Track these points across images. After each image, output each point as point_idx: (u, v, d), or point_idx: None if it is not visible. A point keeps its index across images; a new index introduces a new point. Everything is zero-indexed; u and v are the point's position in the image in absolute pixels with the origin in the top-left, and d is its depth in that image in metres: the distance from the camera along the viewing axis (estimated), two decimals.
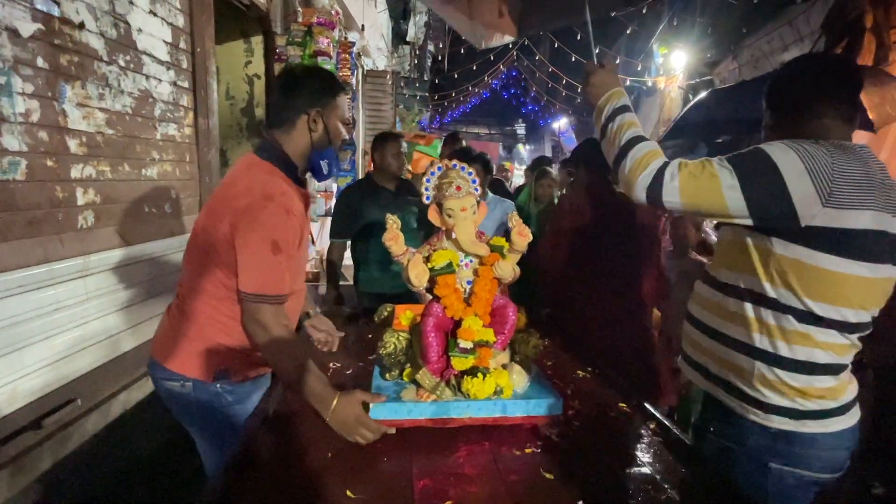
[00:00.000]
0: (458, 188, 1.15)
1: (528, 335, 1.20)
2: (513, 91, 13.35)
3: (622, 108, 1.12)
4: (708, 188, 0.94)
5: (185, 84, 2.32)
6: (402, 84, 7.93)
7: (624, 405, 1.26)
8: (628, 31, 6.90)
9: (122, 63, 1.88)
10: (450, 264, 1.13)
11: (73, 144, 1.66)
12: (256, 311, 1.11)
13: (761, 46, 3.76)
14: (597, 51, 1.48)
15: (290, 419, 1.14)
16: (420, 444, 1.04)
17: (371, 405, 1.05)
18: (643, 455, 1.03)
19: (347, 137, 1.34)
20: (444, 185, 1.17)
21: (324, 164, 1.30)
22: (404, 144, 2.40)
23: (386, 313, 1.40)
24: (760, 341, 1.00)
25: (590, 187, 1.94)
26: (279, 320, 1.13)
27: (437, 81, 11.44)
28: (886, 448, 2.08)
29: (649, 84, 7.10)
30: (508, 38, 2.43)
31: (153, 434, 2.05)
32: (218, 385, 1.22)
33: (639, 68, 7.39)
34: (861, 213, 0.89)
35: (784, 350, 0.97)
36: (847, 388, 1.01)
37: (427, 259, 1.17)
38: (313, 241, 3.96)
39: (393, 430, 1.06)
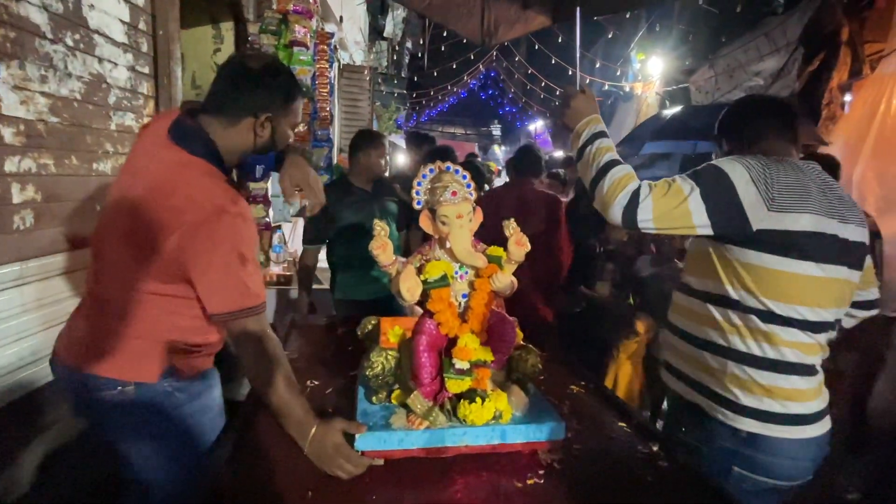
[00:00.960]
0: (454, 193, 1.06)
1: (526, 352, 1.12)
2: (490, 92, 13.35)
3: (600, 134, 1.19)
4: (674, 204, 1.04)
5: (146, 70, 2.12)
6: (379, 80, 7.75)
7: (623, 424, 1.19)
8: (610, 36, 6.99)
9: (69, 42, 1.68)
10: (444, 277, 1.03)
11: (7, 133, 1.46)
12: (241, 327, 1.02)
13: (737, 56, 3.84)
14: (580, 76, 1.52)
15: (262, 451, 1.01)
16: (412, 477, 0.93)
17: (357, 437, 0.94)
18: (654, 484, 0.96)
19: (292, 140, 1.21)
20: (437, 190, 1.07)
21: (259, 169, 1.17)
22: (387, 144, 2.28)
23: (370, 327, 1.29)
24: (731, 341, 1.09)
25: (515, 183, 2.51)
26: (265, 329, 1.04)
27: (415, 79, 11.26)
28: (860, 453, 2.12)
29: (626, 89, 7.22)
30: (540, 25, 2.29)
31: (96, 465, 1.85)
32: (166, 383, 1.08)
33: (618, 73, 7.51)
34: (800, 215, 1.01)
35: (754, 348, 1.07)
36: (816, 395, 1.09)
37: (419, 270, 1.07)
38: (285, 243, 3.78)
39: (381, 462, 0.96)
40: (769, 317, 1.05)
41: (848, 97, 2.70)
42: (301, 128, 2.52)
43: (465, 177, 1.11)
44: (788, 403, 1.06)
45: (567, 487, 0.93)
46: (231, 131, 1.08)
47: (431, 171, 1.12)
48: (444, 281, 1.03)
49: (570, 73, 7.94)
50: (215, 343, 1.18)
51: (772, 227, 1.01)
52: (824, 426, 1.09)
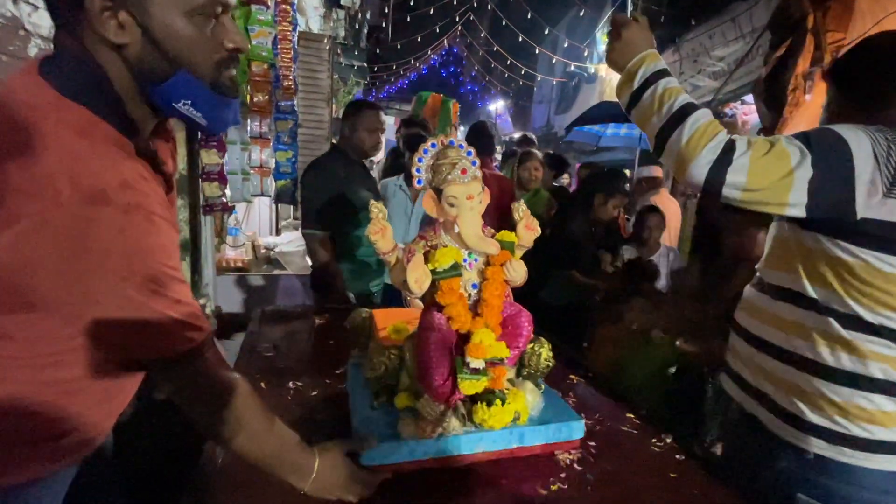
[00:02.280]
0: (464, 171, 0.94)
1: (539, 345, 1.04)
2: (452, 69, 13.01)
3: (662, 72, 0.94)
4: (777, 169, 0.82)
5: None
6: (338, 51, 7.29)
7: (632, 415, 1.15)
8: (580, 14, 6.92)
9: None
10: (456, 265, 0.92)
11: None
12: (176, 377, 0.67)
13: (702, 41, 3.92)
14: (631, 8, 1.25)
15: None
16: (424, 491, 0.83)
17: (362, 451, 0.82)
18: (678, 480, 0.92)
19: (235, 49, 0.69)
20: (443, 167, 0.94)
21: (184, 107, 0.65)
22: (383, 116, 2.07)
23: (360, 319, 1.16)
24: (798, 346, 0.90)
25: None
26: (210, 367, 0.68)
27: (377, 51, 10.64)
28: None
29: (591, 71, 7.25)
30: None
31: None
32: None
33: (584, 54, 7.51)
34: None
35: (828, 358, 0.87)
36: None
37: (425, 258, 0.94)
38: (239, 224, 3.49)
39: (388, 475, 0.85)
40: (852, 322, 0.86)
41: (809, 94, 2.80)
42: (261, 97, 2.27)
43: (469, 153, 0.99)
44: (872, 427, 0.86)
45: (593, 491, 0.87)
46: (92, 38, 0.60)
47: (433, 145, 0.99)
48: (455, 270, 0.91)
49: (536, 51, 7.86)
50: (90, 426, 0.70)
51: (882, 217, 0.81)
52: None
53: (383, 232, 0.94)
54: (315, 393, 1.13)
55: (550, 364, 1.03)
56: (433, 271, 0.91)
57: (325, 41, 4.83)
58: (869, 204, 0.81)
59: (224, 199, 2.26)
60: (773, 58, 2.85)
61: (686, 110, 0.88)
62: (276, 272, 2.98)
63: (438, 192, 0.95)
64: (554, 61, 7.96)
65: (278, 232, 3.92)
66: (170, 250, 0.64)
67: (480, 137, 2.68)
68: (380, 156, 4.21)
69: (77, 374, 0.64)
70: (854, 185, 0.81)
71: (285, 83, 2.37)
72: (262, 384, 1.15)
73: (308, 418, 1.02)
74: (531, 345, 1.03)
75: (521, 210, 1.03)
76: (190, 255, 2.27)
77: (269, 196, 2.54)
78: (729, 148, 0.84)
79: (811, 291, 0.89)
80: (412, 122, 2.95)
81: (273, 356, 1.31)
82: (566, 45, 8.00)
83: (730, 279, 1.67)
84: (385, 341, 0.98)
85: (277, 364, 1.27)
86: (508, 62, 9.14)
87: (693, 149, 0.85)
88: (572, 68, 7.49)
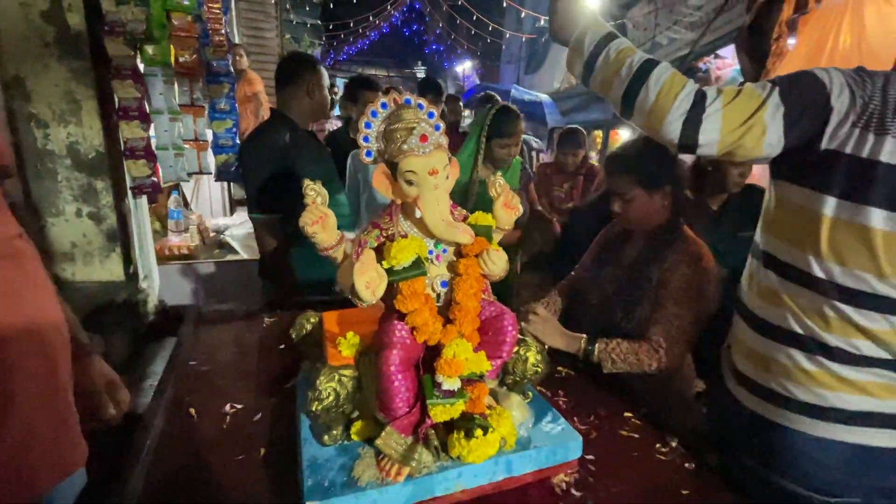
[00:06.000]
0: (424, 138, 0.72)
1: (524, 348, 0.86)
2: (415, 27, 12.22)
3: (610, 35, 0.90)
4: (748, 107, 0.79)
5: None
6: (287, 7, 6.62)
7: (631, 415, 1.01)
8: None
9: None
10: (418, 262, 0.72)
11: None
12: None
13: None
14: None
15: None
16: None
17: None
18: (692, 497, 0.78)
19: None
20: (398, 134, 0.73)
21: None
22: (326, 77, 1.76)
23: (309, 326, 0.95)
24: (771, 315, 0.87)
25: None
26: None
27: (332, 7, 9.70)
28: None
29: None
30: None
31: None
32: None
33: None
34: (885, 138, 0.74)
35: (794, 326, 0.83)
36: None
37: (378, 253, 0.73)
38: (187, 205, 3.15)
39: None
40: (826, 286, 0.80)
41: (792, 38, 2.65)
42: (187, 57, 1.92)
43: (431, 114, 0.78)
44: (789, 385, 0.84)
45: None
46: None
47: (384, 106, 0.77)
48: (418, 268, 0.71)
49: (503, 5, 7.37)
50: None
51: (848, 150, 0.76)
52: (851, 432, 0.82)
53: (323, 222, 0.73)
54: (258, 417, 0.93)
55: (539, 370, 0.86)
56: (390, 270, 0.70)
57: None
58: (835, 134, 0.77)
59: (154, 180, 1.95)
60: (757, 4, 2.67)
61: (647, 67, 0.84)
62: (229, 258, 2.70)
63: (392, 166, 0.74)
64: (523, 15, 7.49)
65: (231, 212, 3.59)
66: None
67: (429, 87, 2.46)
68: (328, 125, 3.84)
69: None
70: (829, 113, 0.77)
71: (216, 38, 2.03)
72: (192, 411, 0.94)
73: (249, 454, 0.82)
74: (515, 349, 0.85)
75: (498, 185, 0.83)
76: (120, 245, 1.98)
77: (210, 173, 2.22)
78: (700, 98, 0.80)
79: (773, 250, 0.87)
80: (362, 80, 2.65)
81: (208, 371, 1.09)
82: None
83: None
84: (335, 359, 0.78)
85: (214, 381, 1.06)
86: (475, 17, 8.56)
87: (664, 103, 0.81)
88: (542, 23, 7.08)
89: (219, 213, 3.72)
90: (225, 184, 3.49)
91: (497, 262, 0.76)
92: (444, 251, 0.78)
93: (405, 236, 0.75)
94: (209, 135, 2.15)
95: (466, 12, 8.82)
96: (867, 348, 0.80)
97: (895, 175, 0.74)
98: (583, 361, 1.17)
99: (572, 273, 1.51)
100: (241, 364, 1.15)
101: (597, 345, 1.16)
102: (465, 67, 13.11)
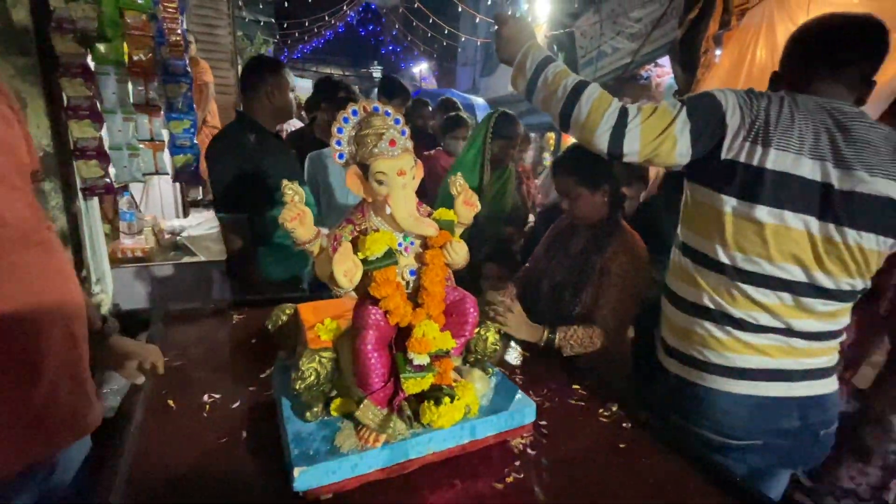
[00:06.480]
0: (392, 142, 0.81)
1: (484, 329, 0.97)
2: (371, 27, 12.13)
3: (547, 59, 1.04)
4: (661, 122, 0.94)
5: None
6: (240, 4, 6.43)
7: (578, 386, 1.15)
8: None
9: None
10: (390, 252, 0.81)
11: None
12: None
13: (622, 2, 3.96)
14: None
15: None
16: None
17: (296, 473, 0.71)
18: (627, 451, 0.92)
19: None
20: (368, 139, 0.81)
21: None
22: (291, 77, 1.80)
23: (285, 317, 1.01)
24: (689, 293, 1.04)
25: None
26: None
27: (285, 4, 9.46)
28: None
29: None
30: None
31: None
32: None
33: (508, 13, 7.29)
34: (768, 149, 0.91)
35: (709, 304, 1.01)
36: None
37: (353, 245, 0.82)
38: (137, 207, 3.04)
39: (329, 496, 0.75)
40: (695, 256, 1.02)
41: (718, 50, 2.94)
42: (142, 56, 1.89)
43: (398, 121, 0.87)
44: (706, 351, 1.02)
45: (547, 476, 0.83)
46: None
47: (355, 113, 0.85)
48: (389, 258, 0.80)
49: (458, 9, 7.52)
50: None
51: (742, 159, 0.92)
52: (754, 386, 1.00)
53: (301, 218, 0.80)
54: (237, 405, 0.99)
55: (498, 348, 0.97)
56: (364, 261, 0.79)
57: None
58: (731, 146, 0.93)
59: (108, 181, 1.90)
60: (687, 20, 2.94)
61: (579, 88, 0.97)
62: (186, 260, 2.65)
63: (364, 168, 0.82)
64: (478, 20, 7.69)
65: (186, 213, 3.49)
66: None
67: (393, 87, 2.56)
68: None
69: None
70: (725, 129, 0.93)
71: (172, 38, 2.00)
72: (171, 402, 0.98)
73: (231, 437, 0.88)
74: (476, 330, 0.96)
75: (458, 184, 0.93)
76: (71, 248, 1.92)
77: (167, 174, 2.19)
78: (623, 114, 0.94)
79: (692, 241, 1.04)
80: (332, 82, 2.69)
81: (182, 364, 1.13)
82: (489, 2, 7.76)
83: None
84: (314, 343, 0.85)
85: (189, 374, 1.10)
86: (431, 20, 8.67)
87: (594, 120, 0.95)
88: (495, 28, 7.30)
89: (171, 215, 3.60)
90: (179, 185, 3.39)
91: (459, 253, 0.86)
92: (412, 243, 0.87)
93: (377, 230, 0.83)
94: (165, 135, 2.12)
95: (422, 15, 8.92)
96: (764, 319, 0.98)
97: (778, 179, 0.91)
98: (543, 348, 1.29)
99: (526, 264, 1.64)
100: (215, 358, 1.18)
101: (557, 334, 1.28)
102: (421, 69, 13.18)
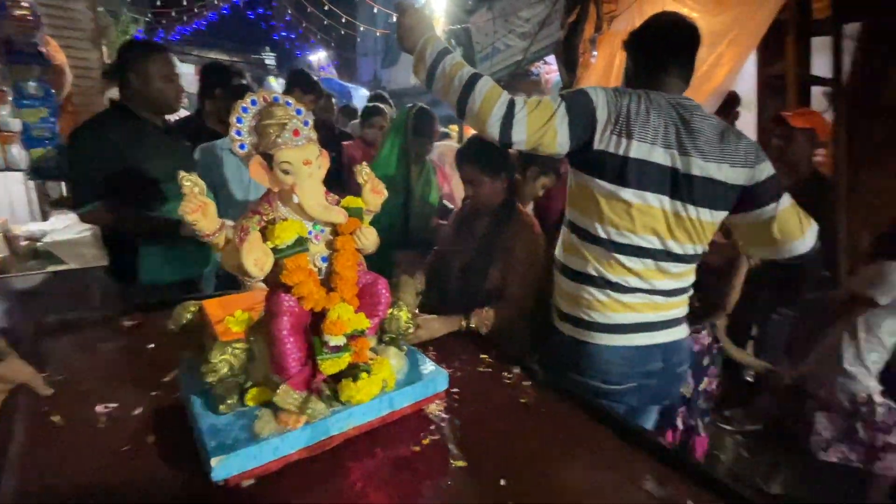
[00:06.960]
0: (296, 132, 0.83)
1: (397, 309, 1.03)
2: (261, 11, 11.26)
3: (445, 51, 1.10)
4: (544, 115, 1.05)
5: None
6: None
7: (486, 356, 1.26)
8: None
9: None
10: (300, 240, 0.83)
11: None
12: None
13: (512, 1, 4.22)
14: None
15: None
16: (298, 487, 0.77)
17: (214, 463, 0.71)
18: (529, 405, 1.05)
19: None
20: (270, 129, 0.82)
21: None
22: (177, 61, 1.65)
23: (189, 315, 0.98)
24: (573, 262, 1.22)
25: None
26: None
27: None
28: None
29: None
30: None
31: None
32: None
33: (410, 2, 7.22)
34: (631, 141, 1.08)
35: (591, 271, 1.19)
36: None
37: (262, 235, 0.82)
38: None
39: (251, 482, 0.76)
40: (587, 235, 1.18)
41: (595, 52, 3.30)
42: None
43: (299, 111, 0.88)
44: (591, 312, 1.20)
45: (460, 433, 0.93)
46: None
47: (254, 102, 0.85)
48: (300, 245, 0.82)
49: None
50: None
51: (610, 149, 1.08)
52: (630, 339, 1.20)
53: (203, 209, 0.79)
54: (139, 411, 0.93)
55: (411, 327, 1.04)
56: (275, 249, 0.80)
57: None
58: (601, 138, 1.09)
59: None
60: (567, 23, 3.26)
61: (472, 80, 1.05)
62: (50, 269, 2.31)
63: (268, 158, 0.83)
64: (376, 10, 7.59)
65: (45, 216, 3.01)
66: None
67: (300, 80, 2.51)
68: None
69: None
70: (596, 123, 1.08)
71: (17, 12, 1.71)
72: (58, 418, 0.89)
73: (135, 444, 0.83)
74: (389, 310, 1.02)
75: (364, 173, 0.97)
76: None
77: (21, 170, 1.88)
78: (511, 106, 1.04)
79: (576, 219, 1.21)
80: (223, 68, 2.50)
81: (67, 380, 1.02)
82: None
83: None
84: (226, 336, 0.84)
85: (75, 387, 1.00)
86: (326, 7, 8.32)
87: (485, 111, 1.03)
88: (395, 19, 7.26)
89: (25, 218, 3.08)
90: (34, 183, 2.91)
91: (369, 238, 0.91)
92: (322, 231, 0.90)
93: (285, 220, 0.85)
94: (16, 125, 1.82)
95: (317, 1, 8.50)
96: (634, 281, 1.17)
97: (639, 166, 1.10)
98: (465, 334, 1.38)
99: (435, 247, 1.74)
100: (106, 368, 1.09)
101: (472, 318, 1.39)
102: (319, 57, 12.62)
